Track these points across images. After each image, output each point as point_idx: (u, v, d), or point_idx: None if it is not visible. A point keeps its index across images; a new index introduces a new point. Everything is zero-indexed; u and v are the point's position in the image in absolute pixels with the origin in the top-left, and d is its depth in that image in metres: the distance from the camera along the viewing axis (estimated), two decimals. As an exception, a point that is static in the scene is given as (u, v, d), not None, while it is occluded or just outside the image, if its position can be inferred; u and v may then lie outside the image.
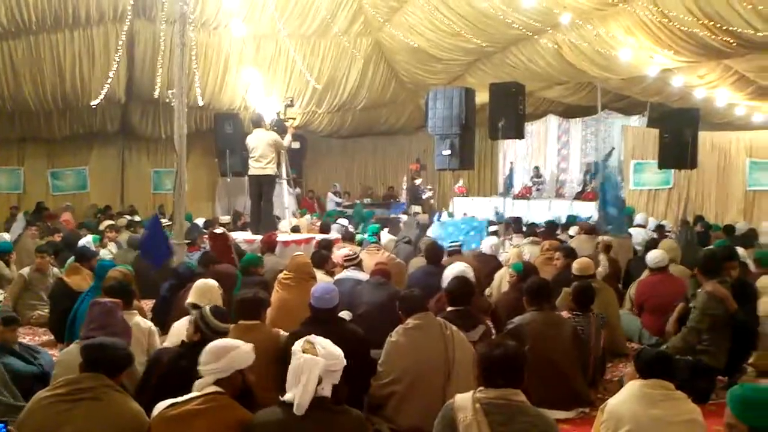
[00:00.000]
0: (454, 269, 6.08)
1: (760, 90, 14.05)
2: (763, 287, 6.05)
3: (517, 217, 13.40)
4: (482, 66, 15.11)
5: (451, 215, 15.91)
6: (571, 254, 7.40)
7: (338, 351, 3.15)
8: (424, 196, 18.66)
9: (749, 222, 14.29)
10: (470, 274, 6.04)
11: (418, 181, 19.16)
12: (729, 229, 11.18)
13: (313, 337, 3.18)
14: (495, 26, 12.54)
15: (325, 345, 3.14)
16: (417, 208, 17.69)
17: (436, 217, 15.23)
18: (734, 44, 10.29)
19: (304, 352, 3.07)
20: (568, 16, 11.04)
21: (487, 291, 7.83)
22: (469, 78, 15.50)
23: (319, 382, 3.01)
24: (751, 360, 5.60)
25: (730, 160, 16.20)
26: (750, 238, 10.27)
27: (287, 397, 3.03)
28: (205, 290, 5.02)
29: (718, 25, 9.78)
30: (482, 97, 12.67)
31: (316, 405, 2.99)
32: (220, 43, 14.93)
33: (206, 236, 9.45)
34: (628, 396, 3.33)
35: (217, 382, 3.18)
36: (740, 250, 7.91)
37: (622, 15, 10.89)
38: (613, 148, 13.74)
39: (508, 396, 2.95)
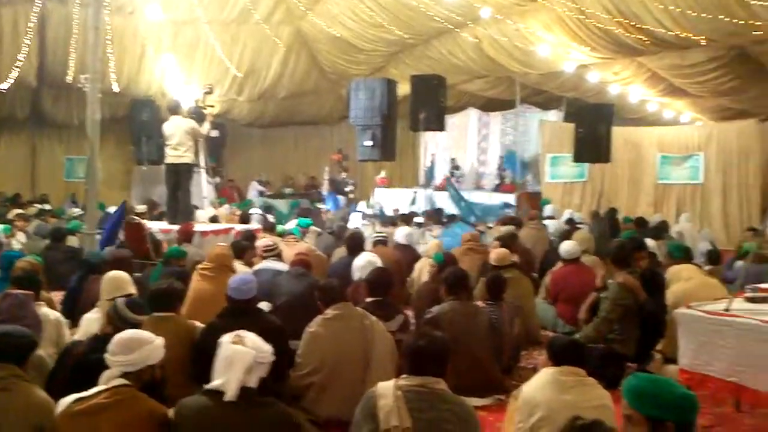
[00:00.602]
0: (361, 260, 6.12)
1: (671, 87, 14.57)
2: (671, 277, 6.29)
3: (438, 208, 13.54)
4: (404, 58, 15.20)
5: (371, 207, 15.94)
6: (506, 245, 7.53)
7: (267, 345, 3.14)
8: (347, 189, 18.65)
9: (660, 214, 14.86)
10: (378, 263, 6.07)
11: (343, 175, 19.14)
12: (641, 222, 11.57)
13: (242, 332, 3.16)
14: (417, 18, 12.62)
15: (254, 339, 3.13)
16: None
17: (352, 209, 15.26)
18: (647, 42, 10.65)
19: (233, 344, 3.05)
20: (488, 10, 11.19)
21: (408, 281, 7.89)
22: (391, 69, 15.56)
23: (247, 373, 2.99)
24: (659, 347, 5.82)
25: (642, 155, 16.76)
26: (660, 230, 10.66)
27: (214, 384, 2.99)
28: (115, 284, 4.86)
29: (633, 24, 10.10)
30: (404, 89, 12.74)
31: (242, 396, 2.97)
32: (136, 27, 14.49)
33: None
34: (542, 382, 3.40)
35: (124, 375, 3.09)
36: (650, 242, 8.22)
37: (541, 11, 11.11)
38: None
39: (430, 384, 2.99)
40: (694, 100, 15.58)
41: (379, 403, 2.95)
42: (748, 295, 4.37)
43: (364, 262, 6.01)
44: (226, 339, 3.10)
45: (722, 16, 9.18)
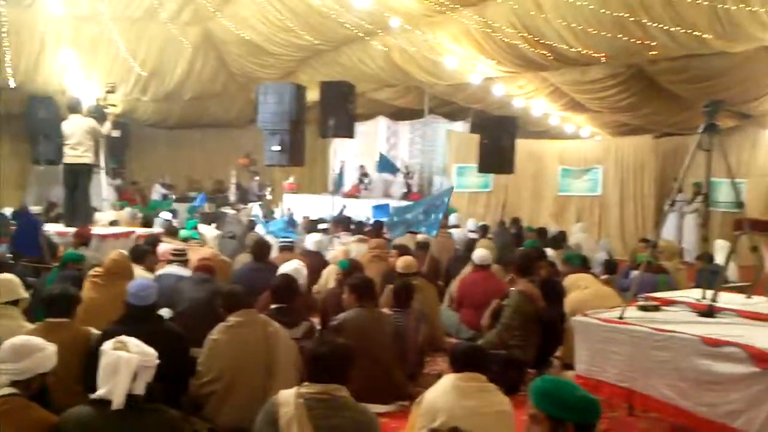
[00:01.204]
0: (288, 267, 6.06)
1: (572, 102, 15.08)
2: (569, 286, 6.50)
3: (346, 216, 13.55)
4: (314, 63, 15.13)
5: (271, 213, 15.78)
6: (403, 252, 7.59)
7: (151, 350, 3.03)
8: (262, 193, 18.40)
9: (559, 225, 15.35)
10: (304, 272, 6.06)
11: (256, 179, 18.87)
12: (542, 232, 11.91)
13: (123, 338, 3.05)
14: (327, 24, 12.60)
15: (137, 344, 3.02)
16: (252, 205, 17.42)
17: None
18: (551, 58, 10.97)
19: (115, 350, 2.93)
20: (398, 20, 11.28)
21: (315, 288, 7.85)
22: (301, 74, 15.46)
23: (134, 379, 2.89)
24: (557, 354, 6.00)
25: (544, 167, 17.30)
26: (559, 240, 10.99)
27: (99, 393, 2.88)
28: (6, 288, 4.60)
29: (537, 39, 10.38)
30: (314, 95, 12.68)
31: (129, 403, 2.86)
32: (35, 21, 13.85)
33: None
34: (443, 388, 3.45)
35: (13, 383, 2.94)
36: (550, 251, 8.47)
37: (449, 23, 11.28)
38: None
39: (331, 391, 2.98)
40: (593, 115, 16.18)
41: (280, 411, 2.92)
42: (641, 303, 4.54)
43: (291, 269, 5.94)
44: (107, 346, 2.99)
45: (620, 36, 9.56)
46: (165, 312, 5.30)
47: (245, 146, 20.04)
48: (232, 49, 15.56)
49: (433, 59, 12.33)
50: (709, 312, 4.32)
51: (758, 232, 4.44)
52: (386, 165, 17.39)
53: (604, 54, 10.43)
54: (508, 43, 10.81)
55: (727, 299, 4.72)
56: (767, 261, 4.94)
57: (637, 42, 9.64)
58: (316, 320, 6.42)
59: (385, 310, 5.61)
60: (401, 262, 6.72)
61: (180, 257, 6.67)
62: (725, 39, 9.18)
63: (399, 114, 19.00)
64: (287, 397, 2.97)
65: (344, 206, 14.77)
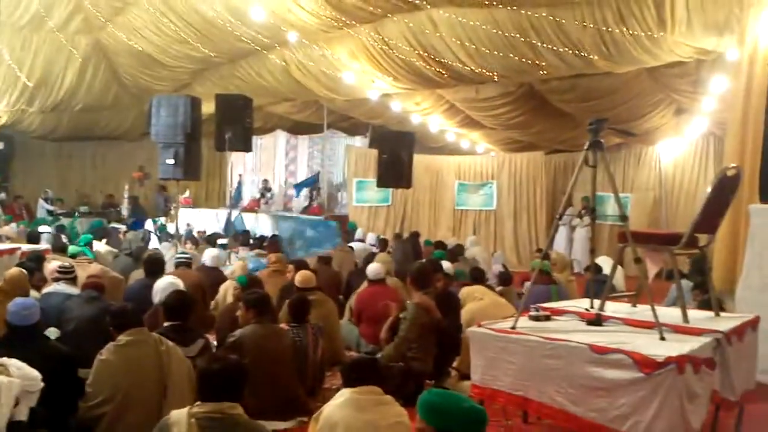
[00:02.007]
0: (163, 282, 5.92)
1: (467, 119, 15.45)
2: (465, 297, 6.62)
3: (245, 230, 13.35)
4: (210, 76, 14.87)
5: (163, 228, 15.35)
6: (301, 266, 7.53)
7: (35, 372, 2.88)
8: (167, 207, 17.82)
9: (457, 238, 15.66)
10: (180, 286, 5.89)
11: (165, 194, 18.25)
12: (440, 245, 12.09)
13: (4, 360, 2.88)
14: (223, 37, 12.42)
15: (19, 366, 2.86)
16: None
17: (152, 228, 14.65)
18: (446, 75, 11.21)
19: (-4, 374, 2.77)
20: (295, 35, 11.26)
21: (212, 304, 7.68)
22: (197, 87, 15.16)
23: (15, 404, 2.73)
24: (454, 364, 6.09)
25: (442, 181, 17.66)
26: (456, 253, 11.18)
27: None
28: None
29: (433, 57, 10.59)
30: (210, 108, 12.47)
31: (11, 429, 2.70)
32: None
33: None
34: (341, 403, 3.44)
35: None
36: (447, 264, 8.60)
37: (347, 39, 11.35)
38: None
39: (225, 409, 2.91)
40: (488, 131, 16.62)
41: (172, 431, 2.83)
42: (532, 314, 4.67)
43: (166, 285, 5.79)
44: (-12, 370, 2.82)
45: (512, 55, 9.89)
46: (52, 332, 5.06)
47: (139, 159, 19.46)
48: (124, 60, 15.08)
49: (331, 74, 12.37)
50: (597, 321, 4.48)
51: (640, 244, 4.66)
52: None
53: (496, 73, 10.75)
54: (405, 60, 10.98)
55: (614, 308, 4.92)
56: (650, 271, 5.17)
57: (528, 62, 9.99)
58: (212, 337, 6.31)
59: (284, 326, 5.55)
60: (299, 277, 6.67)
61: (67, 275, 6.38)
62: (610, 60, 9.65)
63: (298, 128, 18.93)
64: (179, 417, 2.88)
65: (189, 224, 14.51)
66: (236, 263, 8.72)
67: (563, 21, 8.90)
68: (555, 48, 9.47)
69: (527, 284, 8.56)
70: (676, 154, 15.10)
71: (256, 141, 17.68)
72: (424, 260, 8.51)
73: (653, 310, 4.19)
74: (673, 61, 9.88)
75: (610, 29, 8.73)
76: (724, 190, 4.59)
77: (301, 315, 5.61)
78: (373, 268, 7.39)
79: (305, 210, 17.14)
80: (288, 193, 18.95)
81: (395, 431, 3.41)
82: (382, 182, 13.54)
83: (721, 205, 4.70)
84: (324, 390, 5.70)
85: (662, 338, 3.98)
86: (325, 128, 17.10)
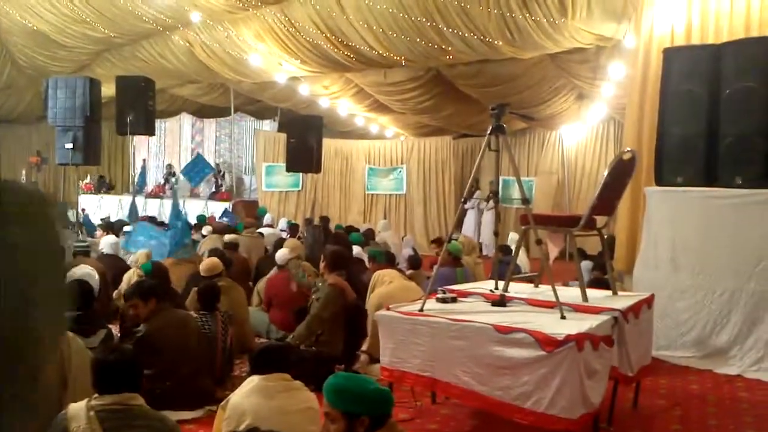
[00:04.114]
0: (77, 273, 5.70)
1: (376, 103, 15.46)
2: (375, 281, 6.65)
3: (151, 216, 13.00)
4: (111, 57, 14.36)
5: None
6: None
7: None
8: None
9: (368, 222, 15.72)
10: (95, 277, 5.71)
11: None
12: (350, 229, 12.11)
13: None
14: (124, 17, 12.00)
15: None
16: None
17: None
18: (354, 59, 11.19)
19: None
20: (199, 15, 11.00)
21: (115, 294, 7.46)
22: (97, 68, 14.61)
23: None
24: (363, 348, 6.13)
25: (352, 166, 17.66)
26: (367, 237, 11.22)
27: None
28: None
29: (340, 40, 10.54)
30: (111, 90, 12.06)
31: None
32: None
33: None
34: (249, 390, 3.40)
35: None
36: (357, 248, 8.64)
37: (253, 20, 11.16)
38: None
39: (125, 401, 2.83)
40: (397, 116, 16.71)
41: (70, 426, 2.73)
42: (439, 296, 4.75)
43: (81, 274, 5.58)
44: None
45: (419, 40, 9.96)
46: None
47: (36, 144, 18.63)
48: (18, 39, 14.37)
49: (237, 56, 12.15)
50: (501, 301, 4.60)
51: (542, 226, 4.79)
52: (199, 166, 16.34)
53: (404, 57, 10.80)
54: (312, 42, 10.89)
55: (517, 289, 5.06)
56: (552, 252, 5.33)
57: (435, 46, 10.08)
58: (115, 328, 6.14)
59: (192, 314, 5.45)
60: (205, 264, 6.57)
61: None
62: (514, 46, 9.84)
63: (204, 111, 18.53)
64: (77, 410, 2.78)
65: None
66: (140, 251, 8.47)
67: (469, 6, 9.01)
68: (461, 33, 9.59)
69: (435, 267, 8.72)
70: (578, 138, 15.57)
71: (160, 124, 17.21)
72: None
73: (554, 290, 4.32)
74: (575, 48, 10.16)
75: (514, 15, 8.90)
76: (621, 173, 4.77)
77: (211, 303, 5.52)
78: (281, 254, 7.35)
79: (213, 195, 16.81)
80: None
81: (304, 417, 3.41)
82: (291, 167, 13.45)
83: (618, 188, 4.88)
84: (233, 377, 5.63)
85: (563, 317, 4.11)
86: (232, 111, 16.80)
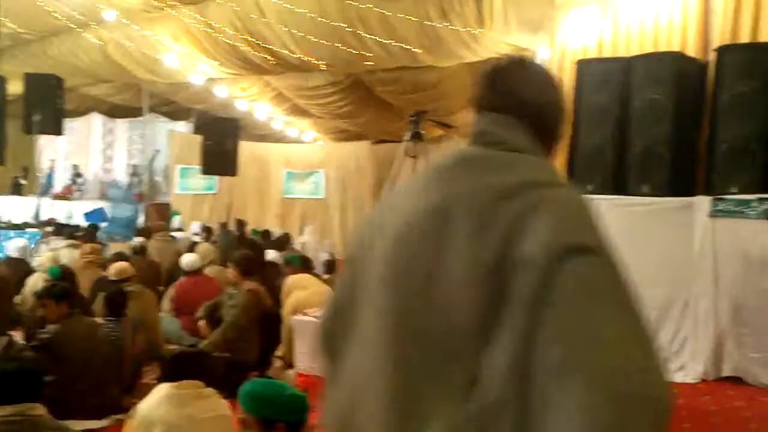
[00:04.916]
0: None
1: (295, 107, 15.39)
2: (291, 286, 6.59)
3: (55, 219, 12.53)
4: (18, 54, 13.76)
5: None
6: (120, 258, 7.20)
7: None
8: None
9: (284, 227, 15.60)
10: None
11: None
12: (266, 234, 11.99)
13: None
14: (33, 12, 11.52)
15: None
16: None
17: None
18: (273, 62, 11.09)
19: None
20: (113, 13, 10.69)
21: (18, 298, 7.13)
22: (4, 65, 13.95)
23: None
24: (279, 353, 6.06)
25: (269, 170, 17.47)
26: (283, 242, 11.13)
27: None
28: None
29: (259, 43, 10.43)
30: (18, 87, 11.57)
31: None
32: None
33: None
34: (159, 399, 3.29)
35: None
36: (274, 253, 8.55)
37: (169, 20, 10.93)
38: (158, 151, 13.66)
39: (25, 411, 2.71)
40: (316, 120, 16.69)
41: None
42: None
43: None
44: None
45: (339, 45, 9.96)
46: None
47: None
48: None
49: (152, 56, 11.87)
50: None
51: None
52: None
53: (324, 62, 10.78)
54: (230, 44, 10.74)
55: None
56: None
57: (355, 52, 10.10)
58: (18, 335, 5.88)
59: (99, 320, 5.26)
60: (114, 269, 6.38)
61: None
62: (432, 54, 9.97)
63: (116, 111, 18.00)
64: (-27, 423, 2.65)
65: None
66: (46, 254, 8.15)
67: (389, 14, 9.07)
68: (381, 40, 9.65)
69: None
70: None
71: (70, 124, 16.62)
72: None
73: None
74: (492, 57, 10.36)
75: (432, 24, 9.00)
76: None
77: (118, 308, 5.35)
78: (187, 260, 7.22)
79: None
80: (105, 179, 17.97)
81: (217, 425, 3.32)
82: (206, 170, 13.22)
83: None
84: (142, 385, 5.47)
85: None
86: (145, 112, 16.39)
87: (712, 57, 6.48)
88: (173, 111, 17.72)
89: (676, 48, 7.00)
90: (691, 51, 6.94)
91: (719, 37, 6.86)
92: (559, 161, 7.42)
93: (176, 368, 3.43)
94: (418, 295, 1.27)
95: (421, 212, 1.33)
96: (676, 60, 6.52)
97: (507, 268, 1.18)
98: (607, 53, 7.50)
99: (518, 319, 1.15)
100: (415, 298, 1.28)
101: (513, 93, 1.44)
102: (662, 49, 7.04)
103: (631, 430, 1.05)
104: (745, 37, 6.69)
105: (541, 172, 1.38)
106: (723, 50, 6.33)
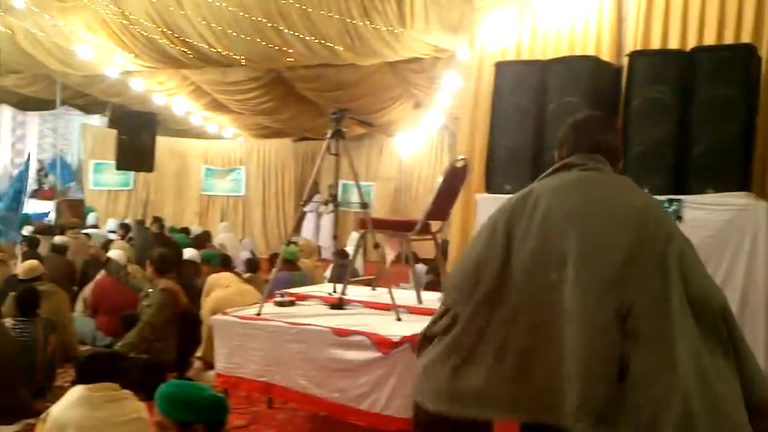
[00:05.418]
0: None
1: (214, 102, 15.09)
2: (211, 285, 6.50)
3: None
4: None
5: None
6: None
7: None
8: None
9: (204, 224, 15.35)
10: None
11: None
12: (185, 231, 11.77)
13: None
14: (-66, -2, 10.97)
15: None
16: None
17: None
18: (191, 56, 10.87)
19: None
20: (23, 1, 10.27)
21: None
22: None
23: None
24: (198, 354, 5.96)
25: (188, 166, 17.16)
26: (203, 240, 10.95)
27: None
28: None
29: (177, 35, 10.21)
30: None
31: None
32: None
33: None
34: (72, 401, 3.21)
35: None
36: (192, 251, 8.40)
37: (83, 10, 10.55)
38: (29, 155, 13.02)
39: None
40: (236, 116, 16.40)
41: None
42: (277, 300, 4.71)
43: None
44: None
45: (259, 40, 9.84)
46: None
47: None
48: None
49: (65, 47, 11.46)
50: (338, 304, 4.63)
51: (380, 230, 4.88)
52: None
53: (243, 57, 10.64)
54: (147, 37, 10.48)
55: (355, 292, 5.12)
56: (388, 256, 5.44)
57: (275, 48, 10.00)
58: None
59: (8, 321, 5.07)
60: (23, 267, 6.16)
61: None
62: (354, 52, 9.97)
63: (27, 103, 17.25)
64: None
65: None
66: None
67: (310, 10, 9.02)
68: (302, 36, 9.58)
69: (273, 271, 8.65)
70: (415, 145, 16.03)
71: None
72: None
73: (390, 292, 4.41)
74: (412, 57, 10.44)
75: (354, 22, 9.00)
76: (454, 180, 4.96)
77: (30, 308, 5.17)
78: (114, 256, 7.01)
79: (35, 194, 15.74)
80: (13, 174, 17.25)
81: (133, 428, 3.26)
82: (122, 165, 12.85)
83: (452, 195, 5.07)
84: (55, 388, 5.31)
85: (399, 319, 4.20)
86: (58, 105, 15.80)
87: (625, 62, 6.71)
88: (87, 104, 17.11)
89: (591, 52, 7.22)
90: (606, 55, 7.17)
91: (632, 42, 7.13)
92: (479, 161, 7.57)
93: (90, 370, 3.32)
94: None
95: (576, 205, 2.18)
96: (591, 64, 6.72)
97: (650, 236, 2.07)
98: (525, 56, 7.67)
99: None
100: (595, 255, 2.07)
101: (596, 138, 2.36)
102: (578, 53, 7.25)
103: None
104: (656, 43, 6.97)
105: (625, 182, 2.34)
106: (635, 55, 6.57)
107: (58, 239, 8.64)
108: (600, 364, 1.92)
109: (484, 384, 2.11)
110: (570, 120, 2.47)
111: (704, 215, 5.20)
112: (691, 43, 6.76)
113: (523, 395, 2.07)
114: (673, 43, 6.91)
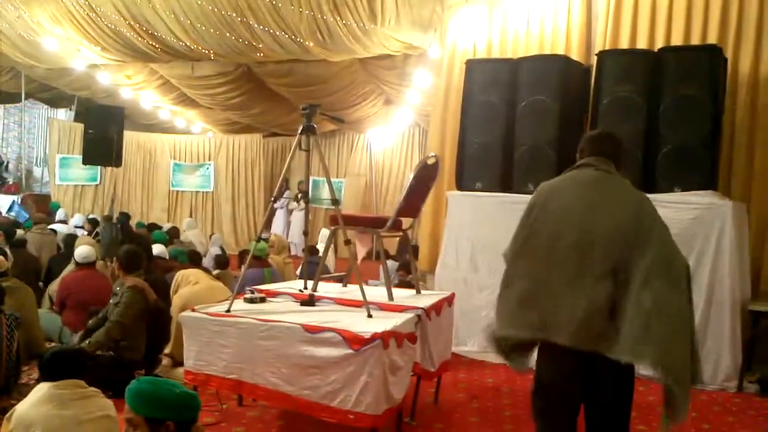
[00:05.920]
0: None
1: (183, 97, 14.94)
2: (180, 281, 6.43)
3: None
4: None
5: None
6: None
7: None
8: None
9: (172, 220, 15.19)
10: None
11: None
12: (153, 227, 11.63)
13: None
14: None
15: None
16: None
17: None
18: (159, 49, 10.75)
19: None
20: (-12, -8, 10.10)
21: None
22: None
23: None
24: (166, 351, 5.90)
25: (156, 161, 16.98)
26: (171, 236, 10.84)
27: None
28: None
29: (144, 29, 10.09)
30: None
31: None
32: None
33: None
34: (37, 399, 3.15)
35: None
36: (160, 247, 8.31)
37: (48, 2, 10.40)
38: None
39: None
40: (205, 111, 16.27)
41: None
42: (247, 296, 4.68)
43: None
44: None
45: (229, 34, 9.76)
46: None
47: None
48: None
49: (30, 39, 11.26)
50: (310, 301, 4.62)
51: (350, 226, 4.88)
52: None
53: (212, 51, 10.55)
54: (114, 30, 10.34)
55: (326, 289, 5.11)
56: (360, 252, 5.44)
57: (245, 42, 9.93)
58: None
59: (-29, 318, 4.96)
60: (-12, 263, 6.02)
61: None
62: (325, 48, 9.94)
63: (-9, 96, 16.98)
64: None
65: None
66: None
67: (280, 5, 8.97)
68: (272, 31, 9.53)
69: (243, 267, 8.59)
70: (386, 142, 16.03)
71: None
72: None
73: (361, 289, 4.40)
74: (383, 54, 10.44)
75: (325, 17, 8.97)
76: (425, 177, 4.97)
77: (-7, 303, 5.06)
78: (81, 251, 6.89)
79: (-1, 188, 15.50)
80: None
81: (100, 426, 3.22)
82: (88, 159, 12.64)
83: (422, 192, 5.08)
84: (20, 386, 5.22)
85: (369, 316, 4.20)
86: (23, 98, 15.55)
87: (594, 61, 6.78)
88: (53, 97, 16.86)
89: (561, 51, 7.29)
90: (575, 55, 7.25)
91: (601, 42, 7.20)
92: (450, 159, 7.60)
93: (55, 367, 3.26)
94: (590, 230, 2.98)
95: (594, 195, 3.08)
96: (560, 63, 6.79)
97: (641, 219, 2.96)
98: (495, 54, 7.71)
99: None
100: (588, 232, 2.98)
101: (605, 148, 3.21)
102: (548, 51, 7.31)
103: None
104: (624, 43, 7.05)
105: (626, 182, 3.16)
106: (603, 55, 6.65)
107: (19, 233, 8.50)
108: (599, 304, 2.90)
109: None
110: (587, 135, 3.40)
111: (671, 213, 5.26)
112: (659, 43, 6.85)
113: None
114: (642, 43, 6.99)
